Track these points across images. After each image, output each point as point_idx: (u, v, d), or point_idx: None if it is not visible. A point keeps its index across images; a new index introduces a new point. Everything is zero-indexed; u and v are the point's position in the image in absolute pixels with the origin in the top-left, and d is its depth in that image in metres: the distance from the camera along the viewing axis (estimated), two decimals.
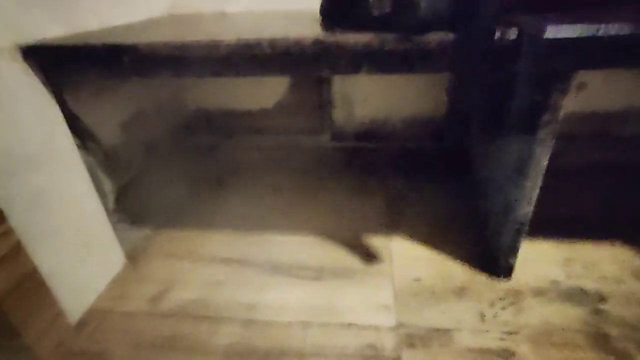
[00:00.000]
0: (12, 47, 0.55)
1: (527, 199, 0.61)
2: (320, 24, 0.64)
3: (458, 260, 0.74)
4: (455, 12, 0.49)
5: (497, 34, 0.48)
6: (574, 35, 0.45)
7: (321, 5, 0.65)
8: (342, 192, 0.99)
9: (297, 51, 0.53)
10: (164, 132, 1.02)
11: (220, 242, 0.83)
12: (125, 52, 0.56)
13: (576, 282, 0.68)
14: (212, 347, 0.60)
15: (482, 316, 0.63)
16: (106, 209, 0.73)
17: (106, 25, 0.74)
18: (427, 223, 0.85)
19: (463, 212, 0.88)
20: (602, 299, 0.65)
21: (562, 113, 0.53)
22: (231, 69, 0.57)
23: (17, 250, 0.53)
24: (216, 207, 0.95)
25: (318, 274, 0.73)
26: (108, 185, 0.74)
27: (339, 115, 1.08)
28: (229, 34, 0.56)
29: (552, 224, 0.80)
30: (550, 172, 0.58)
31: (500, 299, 0.66)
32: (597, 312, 0.63)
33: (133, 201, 0.82)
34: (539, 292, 0.67)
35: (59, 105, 0.63)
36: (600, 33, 0.44)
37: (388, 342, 0.60)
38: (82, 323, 0.65)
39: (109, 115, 0.77)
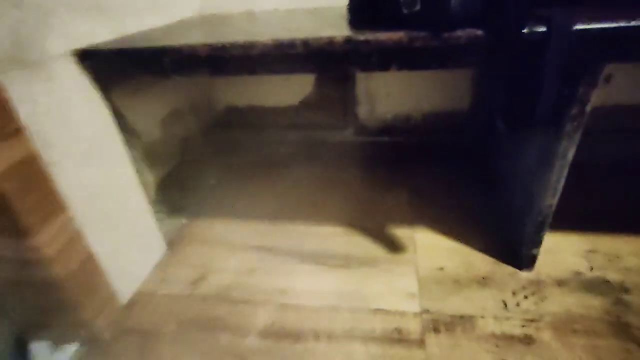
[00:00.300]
0: (67, 53, 0.60)
1: (552, 192, 0.62)
2: (348, 22, 0.65)
3: (481, 251, 0.76)
4: (484, 8, 0.50)
5: (526, 28, 0.49)
6: (604, 27, 0.46)
7: (349, 4, 0.66)
8: (366, 185, 1.02)
9: (329, 50, 0.55)
10: (197, 128, 1.07)
11: (251, 231, 0.88)
12: (167, 53, 0.60)
13: (599, 273, 0.70)
14: (248, 327, 0.65)
15: (505, 304, 0.65)
16: (148, 200, 0.79)
17: (143, 29, 0.78)
18: (450, 215, 0.87)
19: (485, 204, 0.89)
20: (624, 289, 0.66)
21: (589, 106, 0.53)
22: (265, 68, 0.60)
23: (78, 238, 0.59)
24: (247, 199, 1.00)
25: (345, 262, 0.77)
26: (149, 178, 0.80)
27: (362, 110, 1.11)
28: (262, 35, 0.60)
29: (576, 216, 0.81)
30: (574, 165, 0.59)
31: (523, 288, 0.68)
32: (619, 302, 0.64)
33: (170, 193, 0.88)
34: (561, 283, 0.68)
35: (108, 105, 0.68)
36: (631, 25, 0.45)
37: (413, 326, 0.63)
38: (132, 303, 0.71)
39: (148, 113, 0.83)
